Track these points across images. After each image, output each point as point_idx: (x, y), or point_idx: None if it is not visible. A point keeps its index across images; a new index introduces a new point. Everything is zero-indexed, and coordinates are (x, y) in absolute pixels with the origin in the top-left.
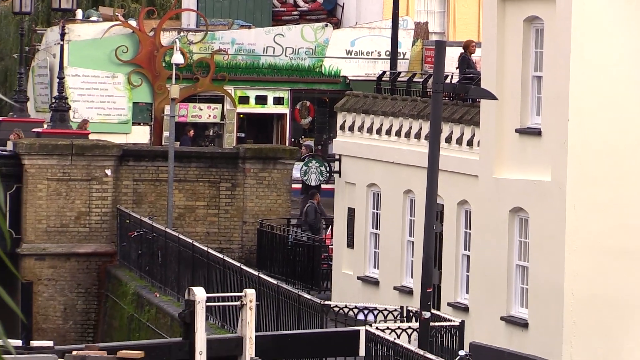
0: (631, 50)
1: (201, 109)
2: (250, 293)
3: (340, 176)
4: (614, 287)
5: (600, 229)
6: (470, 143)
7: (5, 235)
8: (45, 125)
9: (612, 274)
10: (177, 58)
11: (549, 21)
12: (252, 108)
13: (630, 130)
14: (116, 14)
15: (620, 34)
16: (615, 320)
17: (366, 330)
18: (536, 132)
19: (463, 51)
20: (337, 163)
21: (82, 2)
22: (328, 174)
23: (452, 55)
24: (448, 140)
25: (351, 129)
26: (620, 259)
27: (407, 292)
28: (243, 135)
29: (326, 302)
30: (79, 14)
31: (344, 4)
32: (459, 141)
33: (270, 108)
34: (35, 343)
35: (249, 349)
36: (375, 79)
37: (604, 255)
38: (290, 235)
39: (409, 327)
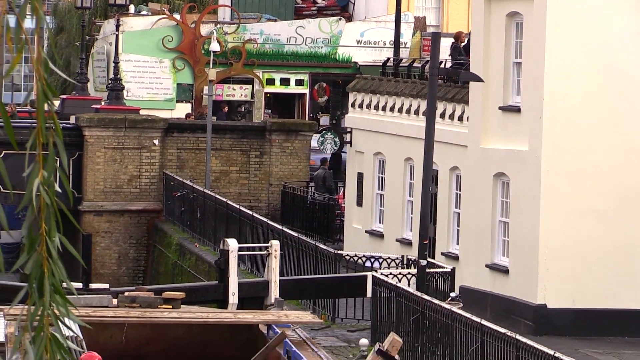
0: (597, 40)
1: (234, 89)
2: (275, 244)
3: (351, 146)
4: (581, 240)
5: (570, 191)
6: (460, 118)
7: (68, 194)
8: (102, 102)
9: (580, 229)
10: (214, 46)
11: (528, 16)
12: (277, 88)
13: (595, 107)
14: (163, 8)
15: (588, 26)
16: (582, 268)
17: (372, 276)
18: (516, 109)
19: (455, 41)
20: (348, 135)
21: None
22: (341, 143)
23: (446, 45)
24: (442, 116)
25: (360, 106)
26: (587, 216)
27: (407, 243)
28: (269, 111)
29: (339, 252)
30: (132, 8)
31: (355, 1)
32: (451, 117)
33: (292, 88)
34: (93, 285)
35: (274, 291)
36: (381, 64)
37: (573, 214)
38: (308, 196)
39: (409, 273)
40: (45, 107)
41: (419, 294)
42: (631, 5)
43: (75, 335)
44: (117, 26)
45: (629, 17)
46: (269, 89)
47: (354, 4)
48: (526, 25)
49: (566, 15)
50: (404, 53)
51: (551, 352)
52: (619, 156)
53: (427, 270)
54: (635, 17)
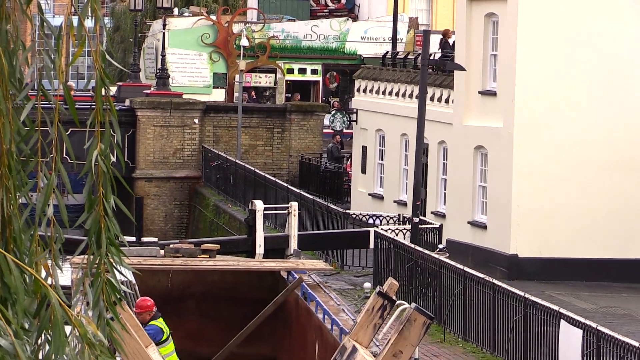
0: (560, 37)
1: (260, 77)
2: (294, 204)
3: (357, 124)
4: (546, 201)
5: (537, 161)
6: (447, 101)
7: (121, 163)
8: (152, 88)
9: (545, 192)
10: (244, 42)
11: (502, 16)
12: (296, 77)
13: (557, 91)
14: (201, 11)
15: (553, 24)
16: (548, 224)
17: (374, 231)
18: (492, 93)
19: (442, 37)
20: (354, 115)
21: (178, 1)
22: (348, 122)
23: (435, 40)
24: (431, 99)
25: (364, 91)
26: (551, 181)
27: (402, 204)
28: (289, 95)
29: (347, 211)
30: (176, 10)
31: (360, 4)
32: (439, 99)
33: (308, 77)
34: (144, 239)
35: (293, 243)
36: (381, 56)
37: (540, 179)
38: (321, 165)
39: (404, 229)
40: (103, 91)
41: (412, 245)
42: (591, 8)
43: (128, 280)
44: (164, 25)
45: (589, 16)
46: (288, 77)
47: (359, 6)
48: (501, 23)
49: (535, 15)
50: (400, 47)
51: (521, 293)
52: (578, 131)
53: (419, 226)
54: (594, 17)
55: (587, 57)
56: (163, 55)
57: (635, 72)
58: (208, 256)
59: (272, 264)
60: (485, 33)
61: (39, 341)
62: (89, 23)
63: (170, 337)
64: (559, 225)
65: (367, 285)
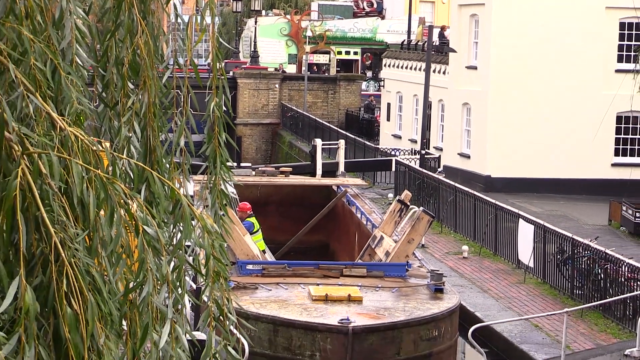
0: (525, 33)
1: (319, 57)
2: (342, 141)
3: (384, 88)
4: (512, 138)
5: (505, 113)
6: (444, 72)
7: (229, 112)
8: (247, 64)
9: (510, 133)
10: (309, 33)
11: (481, 16)
12: (343, 57)
13: (522, 65)
14: (280, 12)
15: (518, 22)
16: (513, 154)
17: (395, 159)
18: (474, 68)
19: (441, 30)
20: (382, 82)
21: (264, 5)
22: (379, 86)
23: (436, 32)
24: (434, 71)
25: (389, 66)
26: (515, 126)
27: (414, 141)
28: (338, 69)
29: (377, 146)
30: (263, 12)
31: (386, 8)
32: (439, 71)
33: (351, 57)
34: (242, 164)
35: (341, 167)
36: (400, 43)
37: (507, 125)
38: (360, 115)
39: (415, 158)
40: (217, 65)
41: (420, 169)
42: (554, 12)
43: (233, 191)
44: (255, 22)
45: (550, 16)
46: (338, 57)
47: (385, 9)
48: (480, 21)
49: (504, 15)
50: (413, 37)
51: (493, 201)
52: (535, 94)
53: (425, 156)
54: (553, 16)
55: (541, 43)
56: (255, 42)
57: (576, 48)
58: (284, 175)
59: (326, 181)
60: (469, 27)
61: (174, 231)
62: (207, 18)
63: (260, 229)
64: (520, 155)
65: (390, 195)
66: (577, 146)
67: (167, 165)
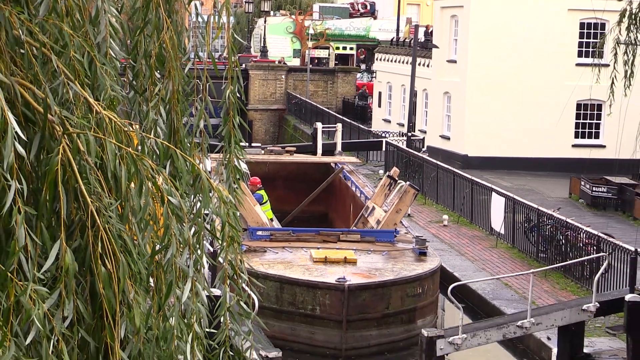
0: (500, 30)
1: (320, 52)
2: (339, 125)
3: (376, 78)
4: (486, 124)
5: (480, 101)
6: (428, 65)
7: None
8: (257, 57)
9: (485, 118)
10: (311, 31)
11: (460, 17)
12: (340, 52)
13: (495, 59)
14: (287, 12)
15: (492, 22)
16: (486, 135)
17: (385, 140)
18: (454, 61)
19: (425, 29)
20: (375, 73)
21: (273, 6)
22: (372, 77)
23: (421, 31)
24: (419, 64)
25: (380, 60)
26: (490, 114)
27: (402, 124)
28: (336, 62)
29: (369, 129)
30: (272, 13)
31: (378, 9)
32: (424, 64)
33: (347, 52)
34: (253, 144)
35: (338, 147)
36: (390, 40)
37: (482, 112)
38: (355, 102)
39: (402, 139)
40: (232, 58)
41: (407, 149)
42: (523, 14)
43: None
44: (265, 21)
45: (520, 17)
46: (337, 52)
47: (377, 11)
48: (460, 21)
49: (480, 16)
50: (401, 35)
51: (470, 176)
52: (508, 81)
53: (411, 138)
54: (523, 17)
55: (512, 40)
56: (264, 39)
57: (542, 45)
58: (289, 154)
59: (326, 159)
60: (450, 26)
61: (194, 201)
62: (223, 18)
63: (268, 200)
64: (493, 137)
65: (381, 171)
66: (543, 129)
67: (189, 144)
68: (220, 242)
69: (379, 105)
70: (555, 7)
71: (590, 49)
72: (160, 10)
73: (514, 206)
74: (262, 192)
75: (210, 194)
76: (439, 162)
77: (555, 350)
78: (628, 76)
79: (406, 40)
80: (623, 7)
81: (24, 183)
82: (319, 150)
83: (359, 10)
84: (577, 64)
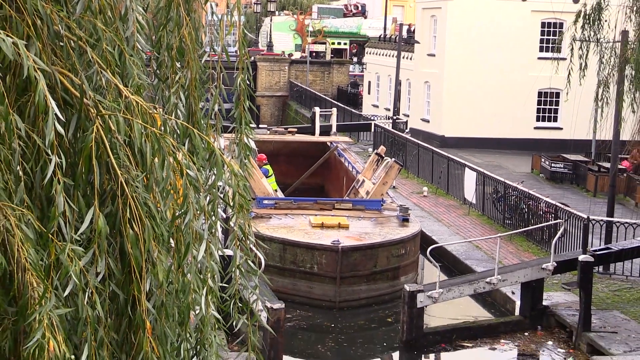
0: (472, 28)
1: (318, 47)
2: (334, 109)
3: (366, 69)
4: (461, 109)
5: (456, 90)
6: (411, 58)
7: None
8: (265, 51)
9: (462, 103)
10: (310, 28)
11: (439, 16)
12: (336, 46)
13: (470, 52)
14: (289, 12)
15: (467, 20)
16: (462, 118)
17: (374, 123)
18: (433, 55)
19: (408, 27)
20: (365, 65)
21: (278, 7)
22: (363, 68)
23: (405, 29)
24: (403, 57)
25: (370, 53)
26: (465, 101)
27: (388, 109)
28: (332, 55)
29: (360, 112)
30: (276, 13)
31: (368, 10)
32: (407, 58)
33: (341, 46)
34: (260, 125)
35: (334, 128)
36: (378, 37)
37: (458, 99)
38: (348, 89)
39: (388, 122)
40: (243, 51)
41: (392, 130)
42: (492, 14)
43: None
44: (271, 20)
45: (490, 17)
46: (332, 47)
47: (367, 11)
48: (438, 20)
49: (456, 16)
50: (388, 32)
51: (446, 154)
52: (480, 72)
53: (396, 120)
54: (492, 17)
55: (483, 37)
56: (270, 35)
57: (509, 41)
58: (291, 134)
59: (323, 138)
60: (430, 25)
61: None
62: (235, 16)
63: (273, 174)
64: (467, 120)
65: (370, 149)
66: (509, 114)
67: (205, 125)
68: (232, 209)
69: (369, 93)
70: (520, 8)
71: (550, 45)
72: (180, 9)
73: (484, 180)
74: (268, 166)
75: (223, 168)
76: (420, 142)
77: (518, 303)
78: (582, 68)
79: (392, 36)
80: (579, 9)
81: (62, 158)
82: (317, 131)
83: (351, 10)
84: (539, 58)
